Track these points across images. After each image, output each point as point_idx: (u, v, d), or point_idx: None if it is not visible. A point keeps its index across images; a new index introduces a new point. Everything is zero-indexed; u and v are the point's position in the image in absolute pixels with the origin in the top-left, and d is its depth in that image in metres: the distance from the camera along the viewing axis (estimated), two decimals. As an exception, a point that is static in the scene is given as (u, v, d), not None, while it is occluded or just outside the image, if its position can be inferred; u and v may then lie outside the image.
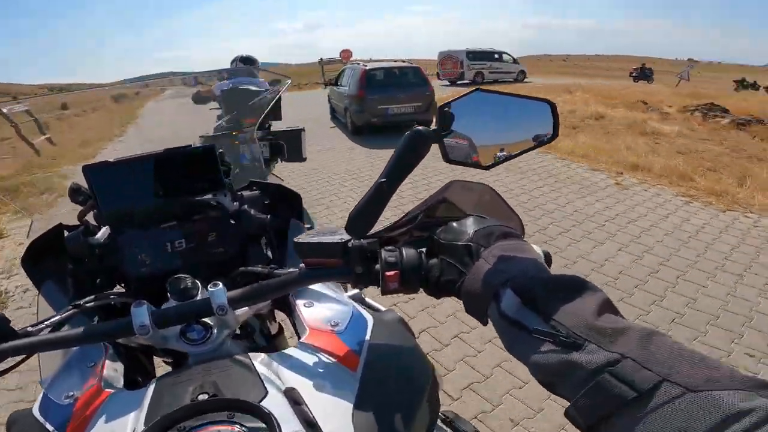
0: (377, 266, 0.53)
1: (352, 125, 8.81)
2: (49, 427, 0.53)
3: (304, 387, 0.51)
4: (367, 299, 0.75)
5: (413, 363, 0.58)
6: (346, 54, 22.33)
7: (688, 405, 0.28)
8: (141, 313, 0.54)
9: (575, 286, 0.40)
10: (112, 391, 0.56)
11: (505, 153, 0.55)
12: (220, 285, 0.57)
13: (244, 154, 2.56)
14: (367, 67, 8.96)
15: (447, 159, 0.53)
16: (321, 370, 0.54)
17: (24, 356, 0.58)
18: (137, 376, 0.69)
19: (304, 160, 4.20)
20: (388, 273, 0.51)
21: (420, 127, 0.51)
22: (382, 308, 0.71)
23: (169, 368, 0.71)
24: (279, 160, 4.16)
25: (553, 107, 0.52)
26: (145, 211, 0.82)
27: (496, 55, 21.57)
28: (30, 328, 0.59)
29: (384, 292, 0.52)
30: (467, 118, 0.52)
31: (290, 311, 0.73)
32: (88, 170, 0.77)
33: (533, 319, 0.39)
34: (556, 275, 0.43)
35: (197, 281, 0.64)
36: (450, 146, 0.53)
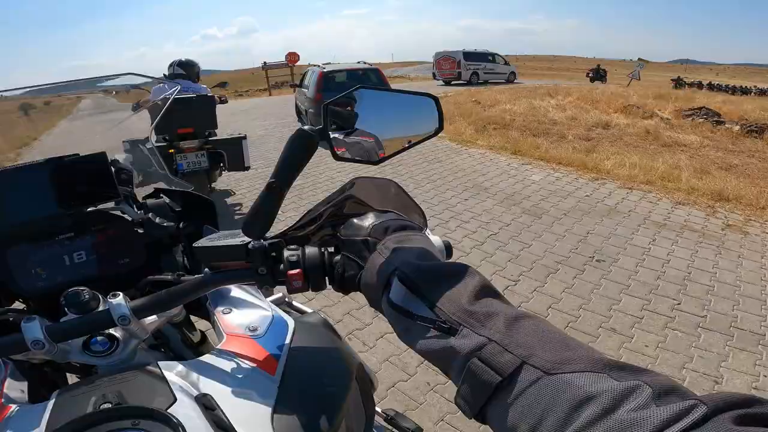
0: (281, 266, 0.53)
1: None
2: None
3: (220, 393, 0.50)
4: (294, 303, 0.74)
5: (336, 363, 0.58)
6: (292, 57, 20.27)
7: (544, 389, 0.29)
8: (33, 328, 0.52)
9: (456, 273, 0.41)
10: (14, 405, 0.54)
11: (396, 147, 0.55)
12: (120, 295, 0.56)
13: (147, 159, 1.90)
14: (325, 70, 8.89)
15: (335, 156, 0.54)
16: (238, 376, 0.54)
17: None
18: (45, 390, 0.65)
19: (247, 168, 4.20)
20: (291, 272, 0.51)
21: (305, 127, 0.51)
22: (309, 310, 0.70)
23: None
24: (221, 170, 4.30)
25: (436, 101, 0.54)
26: (37, 222, 0.77)
27: (490, 57, 22.54)
28: None
29: (290, 291, 0.53)
30: (364, 116, 0.54)
31: (210, 318, 0.73)
32: None
33: (418, 306, 0.40)
34: (439, 263, 0.44)
35: (97, 293, 0.60)
36: (355, 144, 0.54)
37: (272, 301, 0.70)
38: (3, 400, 0.55)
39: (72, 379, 0.72)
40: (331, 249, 0.54)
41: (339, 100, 0.53)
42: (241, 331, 0.61)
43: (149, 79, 2.18)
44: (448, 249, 0.55)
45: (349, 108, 0.53)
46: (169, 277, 0.67)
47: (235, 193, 4.95)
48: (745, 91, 27.82)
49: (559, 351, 0.31)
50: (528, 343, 0.32)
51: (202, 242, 0.55)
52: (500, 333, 0.34)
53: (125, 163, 0.97)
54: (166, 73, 4.37)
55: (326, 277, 0.52)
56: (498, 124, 8.62)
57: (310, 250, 0.52)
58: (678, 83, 25.71)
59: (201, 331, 0.84)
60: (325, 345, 0.60)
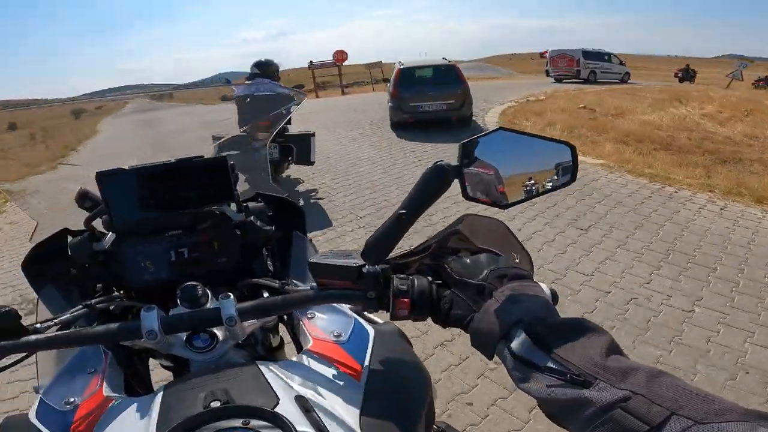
0: (389, 292, 0.54)
1: (390, 121, 8.86)
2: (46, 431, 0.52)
3: (312, 395, 0.51)
4: (365, 312, 0.72)
5: (414, 374, 0.60)
6: (340, 56, 18.04)
7: None
8: (151, 318, 0.54)
9: (583, 329, 0.43)
10: (116, 397, 0.57)
11: (523, 195, 0.56)
12: (231, 296, 0.58)
13: (254, 163, 2.10)
14: (402, 66, 8.99)
15: (466, 196, 0.54)
16: (327, 379, 0.55)
17: (27, 353, 0.58)
18: (135, 384, 0.70)
19: (312, 163, 4.79)
20: (398, 300, 0.52)
21: (442, 162, 0.52)
22: (380, 321, 0.70)
23: (167, 375, 0.75)
24: (289, 163, 4.77)
25: (573, 150, 0.53)
26: (153, 219, 0.82)
27: (606, 57, 22.05)
28: (38, 326, 0.58)
29: (393, 318, 0.54)
30: (488, 155, 0.53)
31: (292, 322, 0.77)
32: (101, 176, 0.76)
33: (544, 358, 0.41)
34: (565, 318, 0.46)
35: (207, 290, 0.64)
36: (474, 176, 0.54)
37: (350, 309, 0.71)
38: (105, 391, 0.57)
39: (153, 370, 0.79)
40: (438, 281, 0.56)
41: (477, 140, 0.53)
42: (327, 336, 0.63)
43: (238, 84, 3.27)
44: (555, 297, 0.53)
45: (469, 145, 0.53)
46: (273, 283, 0.71)
47: (304, 181, 5.23)
48: None
49: (706, 404, 0.32)
50: (673, 397, 0.33)
51: (317, 258, 0.57)
52: (643, 387, 0.35)
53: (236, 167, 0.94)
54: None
55: (431, 310, 0.53)
56: (656, 143, 6.55)
57: (420, 282, 0.54)
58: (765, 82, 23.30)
59: (281, 336, 0.85)
60: (402, 355, 0.62)
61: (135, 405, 0.52)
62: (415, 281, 0.53)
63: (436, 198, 0.51)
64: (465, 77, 8.72)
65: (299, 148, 4.41)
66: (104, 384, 0.58)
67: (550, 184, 0.54)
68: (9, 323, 0.53)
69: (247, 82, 4.78)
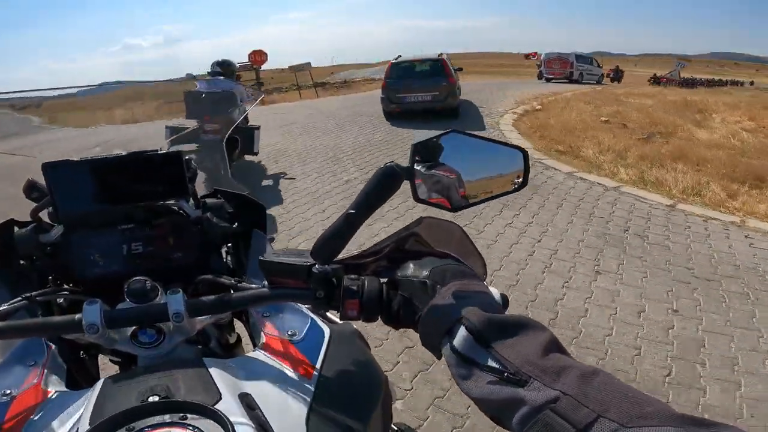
0: (338, 292, 0.54)
1: (383, 111, 9.69)
2: None
3: (259, 393, 0.51)
4: (318, 311, 0.72)
5: (368, 374, 0.60)
6: (258, 57, 15.14)
7: None
8: (93, 311, 0.54)
9: (524, 326, 0.42)
10: (54, 389, 0.56)
11: (475, 198, 0.57)
12: (180, 292, 0.57)
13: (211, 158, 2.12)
14: (393, 60, 9.92)
15: (416, 197, 0.55)
16: (276, 378, 0.55)
17: None
18: (80, 378, 0.68)
19: (256, 153, 5.40)
20: (348, 301, 0.53)
21: (393, 163, 0.52)
22: (338, 321, 0.70)
23: (115, 371, 0.73)
24: (237, 155, 5.03)
25: (525, 155, 0.55)
26: (103, 212, 0.81)
27: (590, 60, 25.08)
28: None
29: (343, 318, 0.55)
30: (439, 156, 0.54)
31: (247, 319, 0.75)
32: (48, 167, 0.74)
33: (483, 355, 0.41)
34: (506, 315, 0.45)
35: (157, 285, 0.62)
36: (431, 178, 0.55)
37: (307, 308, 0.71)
38: (42, 384, 0.56)
39: (103, 366, 0.78)
40: (386, 281, 0.55)
41: (429, 142, 0.54)
42: (280, 334, 0.63)
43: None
44: (505, 301, 0.53)
45: (418, 147, 0.54)
46: (227, 280, 0.69)
47: (248, 192, 5.73)
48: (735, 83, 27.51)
49: (635, 407, 0.32)
50: (603, 398, 0.33)
51: (268, 256, 0.57)
52: (574, 388, 0.35)
53: (193, 162, 0.97)
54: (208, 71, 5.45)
55: (381, 311, 0.53)
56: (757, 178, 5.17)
57: (370, 283, 0.53)
58: (654, 80, 27.02)
59: (238, 333, 0.86)
60: (358, 355, 0.61)
61: (71, 398, 0.51)
62: (365, 282, 0.53)
63: (386, 198, 0.52)
64: (452, 71, 9.47)
65: (243, 140, 4.89)
66: (44, 377, 0.57)
67: (503, 188, 0.56)
68: None
69: (208, 78, 5.28)
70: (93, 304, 0.54)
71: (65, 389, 0.56)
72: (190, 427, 0.41)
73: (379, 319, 0.54)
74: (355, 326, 0.66)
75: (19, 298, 0.63)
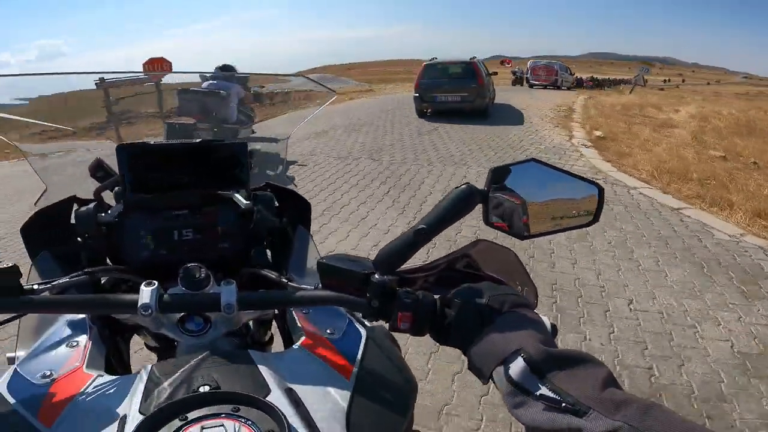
0: (393, 304, 0.53)
1: (416, 110, 10.66)
2: (17, 407, 0.49)
3: (301, 389, 0.51)
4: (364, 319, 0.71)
5: (402, 378, 0.59)
6: (159, 64, 9.24)
7: None
8: (150, 293, 0.54)
9: (581, 360, 0.43)
10: (96, 374, 0.54)
11: (546, 228, 0.58)
12: (233, 283, 0.57)
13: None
14: (427, 62, 10.77)
15: (486, 221, 0.55)
16: (317, 375, 0.55)
17: (20, 314, 0.59)
18: (114, 362, 0.68)
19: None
20: (402, 313, 0.52)
21: (471, 185, 0.52)
22: (368, 323, 0.69)
23: (146, 357, 0.77)
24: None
25: (600, 192, 0.56)
26: (166, 196, 0.82)
27: (568, 69, 28.10)
28: (35, 287, 0.56)
29: (392, 329, 0.54)
30: (514, 184, 0.54)
31: (284, 315, 0.75)
32: (122, 149, 0.76)
33: (540, 385, 0.42)
34: (565, 349, 0.46)
35: (210, 274, 0.61)
36: (499, 202, 0.55)
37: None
38: (85, 367, 0.55)
39: (134, 350, 0.79)
40: (439, 298, 0.55)
41: (507, 168, 0.55)
42: (320, 333, 0.62)
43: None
44: (555, 330, 0.54)
45: (499, 172, 0.55)
46: (275, 276, 0.69)
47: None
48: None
49: None
50: (663, 430, 0.34)
51: (328, 259, 0.56)
52: (636, 419, 0.36)
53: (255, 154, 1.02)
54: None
55: (431, 328, 0.54)
56: None
57: (425, 299, 0.53)
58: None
59: (272, 333, 0.87)
60: (393, 358, 0.61)
61: (115, 384, 0.51)
62: (420, 297, 0.53)
63: (459, 218, 0.52)
64: (482, 74, 10.30)
65: (230, 136, 4.92)
66: (85, 360, 0.56)
67: (573, 221, 0.56)
68: (9, 280, 0.51)
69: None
70: (151, 286, 0.54)
71: (104, 373, 0.55)
72: (243, 419, 0.41)
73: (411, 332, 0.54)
74: (388, 330, 0.67)
75: (80, 273, 0.63)
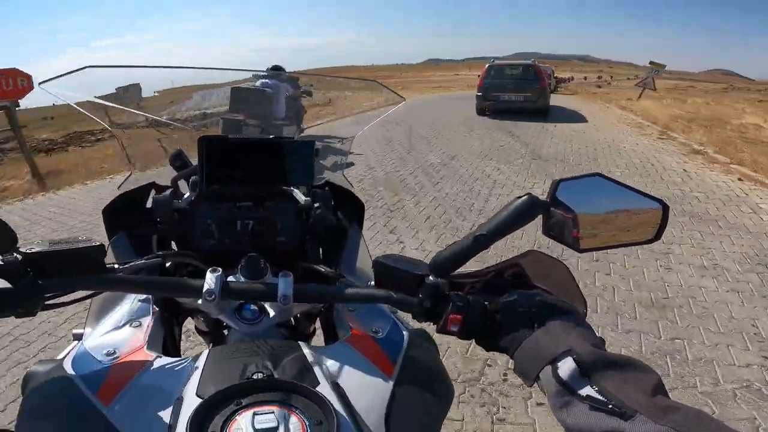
0: (444, 306, 0.54)
1: (476, 108, 11.25)
2: (79, 382, 0.50)
3: (346, 383, 0.52)
4: (397, 314, 0.71)
5: (440, 381, 0.60)
6: (9, 76, 5.40)
7: None
8: (214, 280, 0.56)
9: (631, 365, 0.43)
10: (155, 355, 0.56)
11: (603, 242, 0.57)
12: (290, 275, 0.58)
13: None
14: (490, 63, 11.64)
15: (546, 232, 0.54)
16: (361, 371, 0.56)
17: (98, 292, 0.61)
18: (168, 344, 0.69)
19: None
20: (453, 315, 0.52)
21: (533, 195, 0.52)
22: (412, 325, 0.69)
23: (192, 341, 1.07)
24: None
25: (665, 209, 0.55)
26: (236, 188, 0.84)
27: (551, 71, 29.08)
28: (116, 266, 0.58)
29: (440, 331, 0.54)
30: (578, 197, 0.53)
31: (329, 311, 0.77)
32: (204, 140, 0.78)
33: (588, 387, 0.42)
34: (615, 354, 0.45)
35: (268, 265, 0.64)
36: (556, 214, 0.54)
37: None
38: (146, 347, 0.58)
39: (185, 340, 0.78)
40: (488, 304, 0.55)
41: (570, 181, 0.53)
42: (365, 330, 0.64)
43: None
44: (603, 343, 0.54)
45: (561, 183, 0.53)
46: (329, 272, 0.72)
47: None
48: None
49: None
50: None
51: (384, 259, 0.58)
52: (684, 425, 0.35)
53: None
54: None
55: (480, 332, 0.54)
56: None
57: (476, 303, 0.53)
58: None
59: (314, 327, 0.90)
60: (433, 363, 0.62)
61: (175, 365, 0.53)
62: (471, 301, 0.53)
63: (518, 228, 0.51)
64: (544, 76, 10.98)
65: (275, 132, 5.11)
66: (147, 340, 0.59)
67: (634, 237, 0.56)
68: (96, 258, 0.53)
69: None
70: (216, 272, 0.56)
71: (163, 355, 0.57)
72: (293, 408, 0.43)
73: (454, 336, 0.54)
74: (429, 333, 0.67)
75: (154, 255, 0.67)
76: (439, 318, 0.54)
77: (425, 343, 0.64)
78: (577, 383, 0.42)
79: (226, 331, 0.76)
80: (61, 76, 0.88)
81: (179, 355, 0.70)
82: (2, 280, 0.47)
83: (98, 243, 0.52)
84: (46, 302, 0.51)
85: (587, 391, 0.41)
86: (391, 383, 0.55)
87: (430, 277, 0.55)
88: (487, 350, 0.55)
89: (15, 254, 0.47)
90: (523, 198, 0.51)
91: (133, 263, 0.61)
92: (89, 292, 0.59)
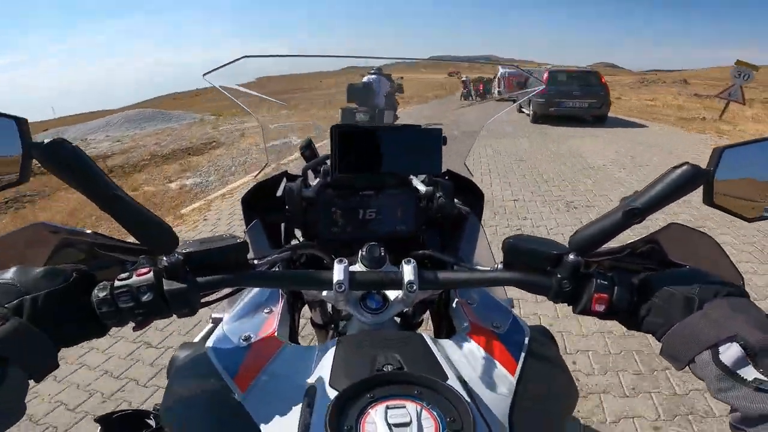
0: (586, 286, 0.51)
1: (533, 114, 11.21)
2: (219, 368, 0.52)
3: (469, 377, 0.51)
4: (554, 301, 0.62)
5: (563, 381, 0.57)
6: None
7: None
8: (342, 270, 0.55)
9: None
10: (287, 342, 0.58)
11: None
12: (413, 262, 0.57)
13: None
14: (550, 69, 11.84)
15: (710, 201, 0.51)
16: (483, 366, 0.55)
17: (242, 288, 0.63)
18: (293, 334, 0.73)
19: None
20: (598, 294, 0.50)
21: (692, 164, 0.48)
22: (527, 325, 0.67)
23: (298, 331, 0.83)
24: None
25: None
26: (365, 177, 0.85)
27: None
28: (255, 262, 0.60)
29: (581, 312, 0.52)
30: (743, 164, 0.51)
31: (446, 303, 0.76)
32: (336, 129, 0.79)
33: (754, 370, 0.41)
34: None
35: (387, 254, 0.62)
36: (723, 183, 0.50)
37: None
38: (277, 333, 0.59)
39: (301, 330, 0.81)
40: (639, 283, 0.52)
41: (737, 148, 0.50)
42: (485, 325, 0.63)
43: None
44: None
45: (725, 151, 0.49)
46: (449, 258, 0.69)
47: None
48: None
49: None
50: None
51: (516, 239, 0.55)
52: None
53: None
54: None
55: (626, 312, 0.51)
56: None
57: (622, 281, 0.50)
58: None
59: (423, 318, 0.90)
60: (556, 362, 0.60)
61: (304, 352, 0.54)
62: (616, 279, 0.50)
63: (676, 199, 0.48)
64: (605, 82, 10.97)
65: (379, 116, 5.36)
66: (278, 327, 0.61)
67: None
68: (241, 256, 0.53)
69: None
70: (342, 263, 0.55)
71: (290, 342, 0.59)
72: (426, 403, 0.42)
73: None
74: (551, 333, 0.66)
75: (285, 249, 0.66)
76: (579, 299, 0.52)
77: (547, 341, 0.63)
78: (743, 368, 0.41)
79: (342, 322, 0.79)
80: (221, 66, 0.90)
81: (298, 342, 0.72)
82: (168, 281, 0.47)
83: (242, 240, 0.53)
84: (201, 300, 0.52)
85: (753, 374, 0.40)
86: (514, 381, 0.53)
87: (571, 256, 0.51)
88: (630, 329, 0.53)
89: (177, 255, 0.48)
90: (683, 167, 0.47)
91: (269, 258, 0.62)
92: (234, 288, 0.59)
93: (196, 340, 0.62)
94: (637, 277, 0.52)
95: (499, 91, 21.20)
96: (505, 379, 0.54)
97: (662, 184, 0.47)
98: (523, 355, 0.58)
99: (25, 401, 0.40)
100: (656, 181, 0.48)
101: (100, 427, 0.60)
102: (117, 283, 0.47)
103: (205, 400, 0.50)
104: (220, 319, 0.64)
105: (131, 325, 0.48)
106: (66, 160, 0.41)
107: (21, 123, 0.41)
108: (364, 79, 5.27)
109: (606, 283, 0.50)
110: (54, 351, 0.43)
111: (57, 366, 0.43)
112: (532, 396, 0.53)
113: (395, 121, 3.69)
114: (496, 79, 12.69)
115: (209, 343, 0.57)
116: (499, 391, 0.52)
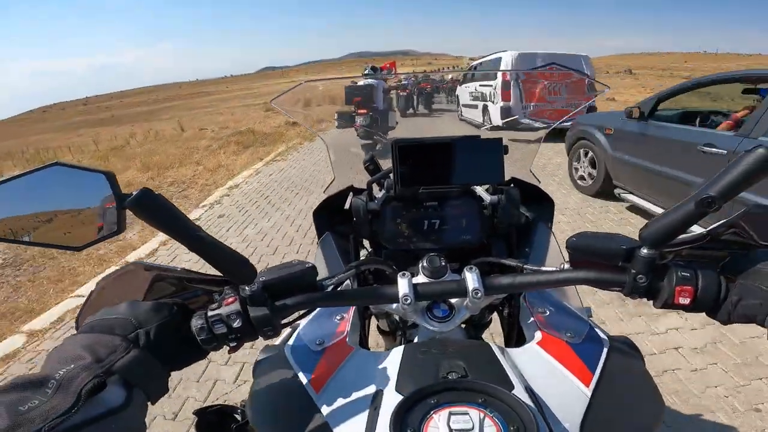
0: (665, 279, 0.50)
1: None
2: (296, 367, 0.57)
3: (538, 388, 0.50)
4: (629, 296, 0.59)
5: (647, 397, 0.54)
6: None
7: None
8: (407, 284, 0.56)
9: None
10: (357, 348, 0.61)
11: None
12: (475, 269, 0.57)
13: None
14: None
15: None
16: (554, 376, 0.53)
17: (313, 309, 0.62)
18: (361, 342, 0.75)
19: (392, 128, 4.52)
20: (681, 287, 0.48)
21: (767, 147, 0.43)
22: (608, 335, 0.64)
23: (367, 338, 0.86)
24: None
25: None
26: (428, 189, 0.85)
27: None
28: (324, 282, 0.60)
29: (663, 306, 0.50)
30: None
31: (516, 312, 0.78)
32: (396, 144, 0.80)
33: None
34: None
35: (447, 264, 0.64)
36: None
37: None
38: (348, 339, 0.62)
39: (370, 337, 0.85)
40: (724, 271, 0.50)
41: None
42: (558, 334, 0.62)
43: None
44: None
45: None
46: (513, 263, 0.68)
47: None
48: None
49: None
50: None
51: (579, 237, 0.54)
52: None
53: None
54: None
55: (715, 300, 0.48)
56: None
57: (705, 271, 0.49)
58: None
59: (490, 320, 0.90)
60: (639, 375, 0.57)
61: (372, 358, 0.56)
62: (698, 268, 0.48)
63: (753, 184, 0.44)
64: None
65: (381, 117, 5.10)
66: (348, 333, 0.63)
67: None
68: (310, 279, 0.55)
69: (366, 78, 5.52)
70: (405, 277, 0.57)
71: (360, 347, 0.61)
72: (490, 412, 0.42)
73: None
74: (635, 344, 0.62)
75: (351, 267, 0.67)
76: (657, 293, 0.50)
77: (630, 351, 0.60)
78: None
79: (409, 330, 0.79)
80: (285, 93, 0.97)
81: (367, 348, 0.75)
82: (252, 308, 0.51)
83: (311, 264, 0.56)
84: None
85: None
86: (588, 394, 0.52)
87: (644, 250, 0.49)
88: (724, 323, 0.49)
89: (257, 284, 0.51)
90: (758, 151, 0.43)
91: (336, 277, 0.63)
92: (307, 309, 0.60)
93: (276, 343, 0.65)
94: (722, 262, 0.51)
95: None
96: (578, 391, 0.52)
97: (736, 170, 0.44)
98: (600, 366, 0.56)
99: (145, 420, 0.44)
100: (729, 168, 0.45)
101: (196, 419, 0.65)
102: (210, 312, 0.51)
103: (284, 400, 0.54)
104: (297, 325, 0.67)
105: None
106: (155, 208, 0.43)
107: (110, 177, 0.43)
108: (361, 82, 5.29)
109: (688, 274, 0.48)
110: (166, 376, 0.47)
111: (168, 390, 0.47)
112: (608, 409, 0.51)
113: (396, 124, 3.62)
114: (498, 80, 7.54)
115: (288, 347, 0.61)
116: (569, 402, 0.51)
